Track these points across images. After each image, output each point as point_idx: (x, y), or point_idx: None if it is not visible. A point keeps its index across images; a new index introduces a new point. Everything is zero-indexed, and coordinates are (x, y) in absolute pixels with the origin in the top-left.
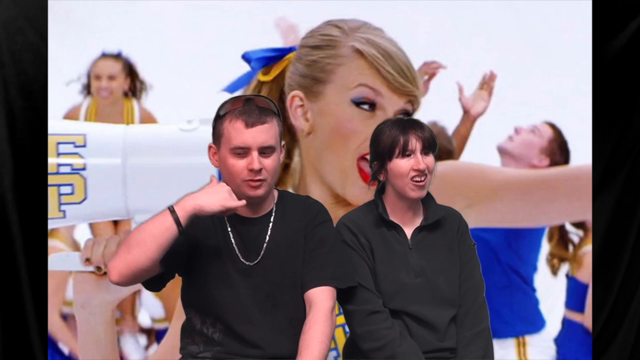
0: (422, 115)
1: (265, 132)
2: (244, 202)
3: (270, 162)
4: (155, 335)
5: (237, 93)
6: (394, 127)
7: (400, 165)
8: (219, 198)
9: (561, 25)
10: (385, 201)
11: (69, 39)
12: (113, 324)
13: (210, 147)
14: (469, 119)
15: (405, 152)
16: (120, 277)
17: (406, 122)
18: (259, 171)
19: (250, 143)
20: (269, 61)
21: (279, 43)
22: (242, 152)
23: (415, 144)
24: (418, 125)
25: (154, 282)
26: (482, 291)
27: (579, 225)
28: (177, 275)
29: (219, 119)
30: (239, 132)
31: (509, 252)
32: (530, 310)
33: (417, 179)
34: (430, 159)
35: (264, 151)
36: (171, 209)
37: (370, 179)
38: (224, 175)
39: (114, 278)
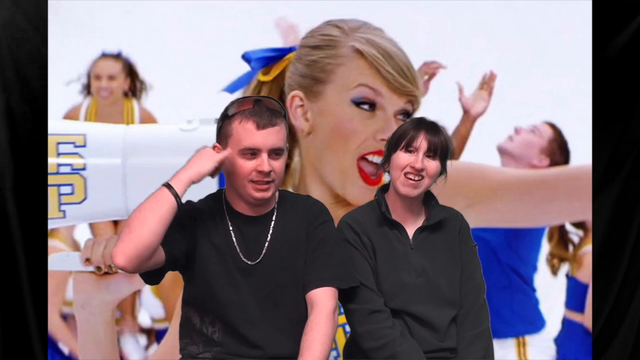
0: (422, 115)
1: (276, 135)
2: (229, 150)
3: (279, 165)
4: (155, 335)
5: (237, 93)
6: (411, 123)
7: (400, 157)
8: (208, 157)
9: (561, 25)
10: (388, 200)
11: (69, 39)
12: (113, 324)
13: (214, 146)
14: (469, 119)
15: (409, 148)
16: (125, 257)
17: (426, 123)
18: (269, 173)
19: (261, 145)
20: (269, 61)
21: (279, 43)
22: (252, 153)
23: (420, 143)
24: (434, 128)
25: (153, 274)
26: (483, 292)
27: (579, 225)
28: (176, 273)
29: (226, 119)
30: (250, 134)
31: (509, 252)
32: (530, 310)
33: (410, 176)
34: (432, 163)
35: (274, 153)
36: (167, 185)
37: (379, 167)
38: (228, 175)
39: (119, 261)
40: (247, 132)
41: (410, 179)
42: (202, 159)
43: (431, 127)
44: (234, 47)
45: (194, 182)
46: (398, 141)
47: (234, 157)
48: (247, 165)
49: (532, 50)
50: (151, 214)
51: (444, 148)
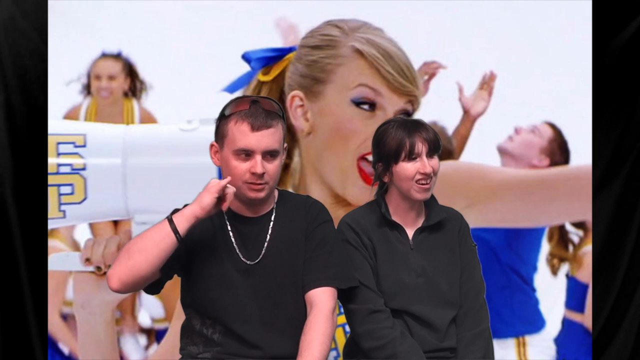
0: (422, 115)
1: (270, 137)
2: (229, 178)
3: (273, 166)
4: (155, 335)
5: (237, 93)
6: (399, 130)
7: (407, 168)
8: (207, 190)
9: (561, 25)
10: (388, 201)
11: (69, 39)
12: (113, 324)
13: (212, 145)
14: (469, 119)
15: (412, 156)
16: (120, 283)
17: (411, 124)
18: (262, 175)
19: (255, 147)
20: (269, 61)
21: (279, 43)
22: (246, 154)
23: (421, 147)
24: (422, 126)
25: (152, 285)
26: (483, 292)
27: (579, 225)
28: (176, 275)
29: (223, 119)
30: (244, 135)
31: (509, 252)
32: (530, 310)
33: (423, 182)
34: (435, 161)
35: (268, 155)
36: (169, 219)
37: (374, 180)
38: (225, 175)
39: (114, 285)
40: (241, 134)
41: (423, 184)
42: (203, 193)
43: (422, 127)
44: (234, 47)
45: (199, 218)
46: (397, 153)
47: (229, 158)
48: (241, 167)
49: (532, 50)
50: (151, 245)
51: (438, 141)
